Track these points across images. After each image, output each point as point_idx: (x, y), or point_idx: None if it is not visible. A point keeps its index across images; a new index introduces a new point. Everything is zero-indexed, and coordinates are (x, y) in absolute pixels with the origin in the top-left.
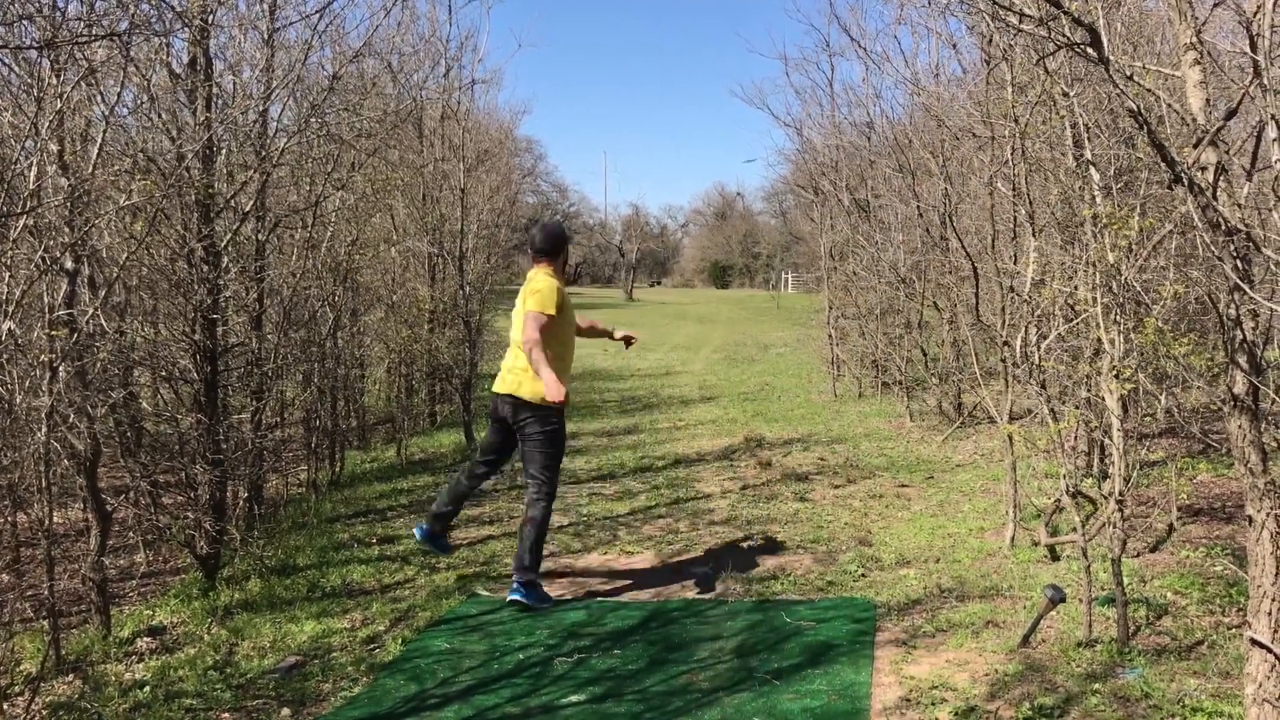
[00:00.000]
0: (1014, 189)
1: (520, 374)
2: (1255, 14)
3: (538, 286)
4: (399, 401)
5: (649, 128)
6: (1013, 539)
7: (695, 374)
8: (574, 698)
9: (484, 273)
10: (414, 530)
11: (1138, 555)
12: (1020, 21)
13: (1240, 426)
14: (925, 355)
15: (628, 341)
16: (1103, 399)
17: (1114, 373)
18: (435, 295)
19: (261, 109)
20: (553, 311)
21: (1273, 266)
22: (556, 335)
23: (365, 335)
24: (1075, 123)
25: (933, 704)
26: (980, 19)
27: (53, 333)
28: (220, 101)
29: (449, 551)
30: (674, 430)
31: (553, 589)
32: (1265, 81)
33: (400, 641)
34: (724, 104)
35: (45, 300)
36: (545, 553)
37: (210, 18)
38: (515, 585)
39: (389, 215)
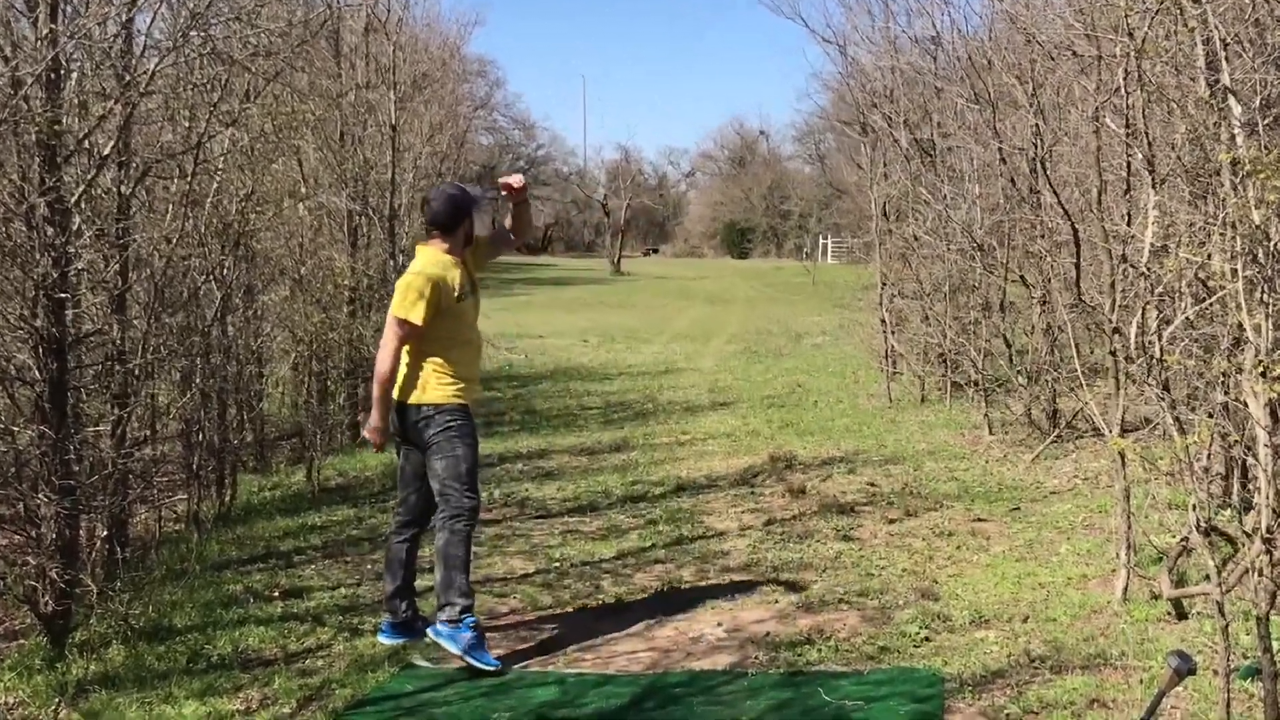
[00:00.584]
0: (1127, 125)
1: (403, 373)
2: None
3: (404, 281)
4: (309, 409)
5: (643, 46)
6: (1125, 591)
7: (704, 372)
8: None
9: (422, 236)
10: (377, 637)
11: None
12: None
13: None
14: (1009, 347)
15: (509, 191)
16: (1245, 404)
17: (1260, 370)
18: (358, 267)
19: (125, 19)
20: (416, 321)
21: None
22: (451, 332)
23: (264, 320)
24: (1209, 38)
25: None
26: None
27: None
28: (69, 9)
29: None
30: (676, 447)
31: (513, 656)
32: None
33: None
34: (743, 17)
35: None
36: (505, 609)
37: None
38: (436, 626)
39: (295, 161)
